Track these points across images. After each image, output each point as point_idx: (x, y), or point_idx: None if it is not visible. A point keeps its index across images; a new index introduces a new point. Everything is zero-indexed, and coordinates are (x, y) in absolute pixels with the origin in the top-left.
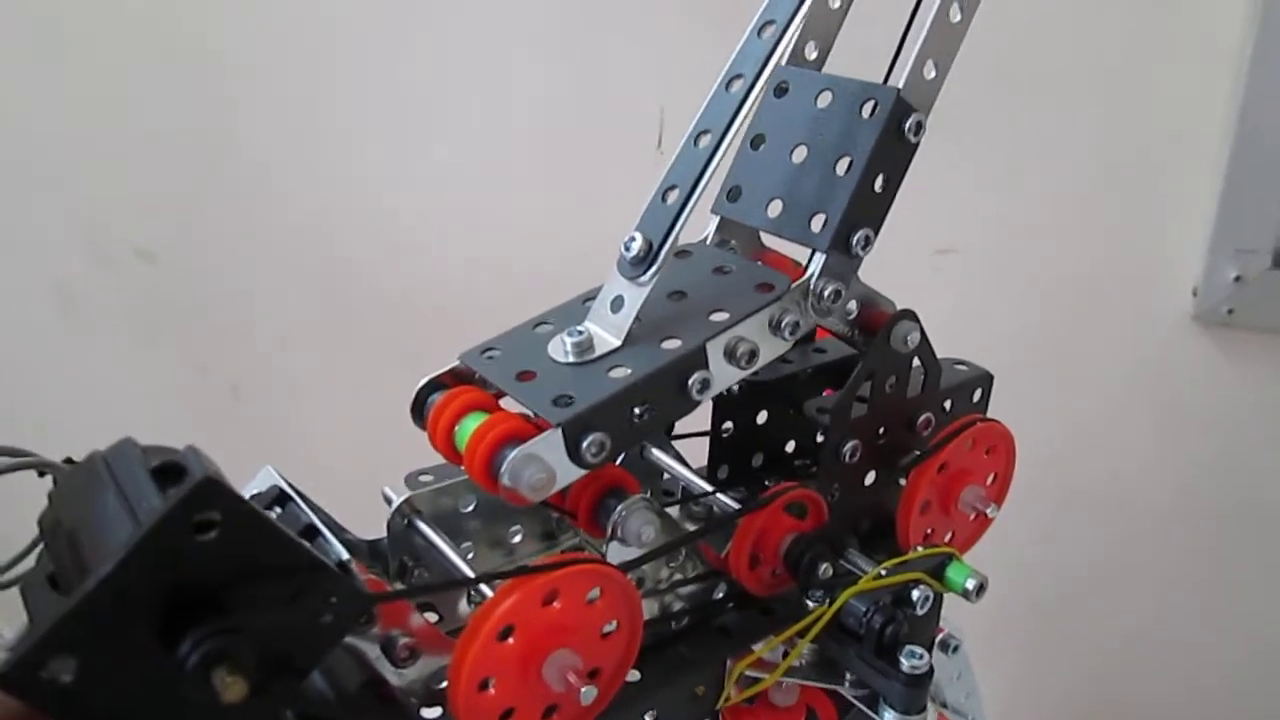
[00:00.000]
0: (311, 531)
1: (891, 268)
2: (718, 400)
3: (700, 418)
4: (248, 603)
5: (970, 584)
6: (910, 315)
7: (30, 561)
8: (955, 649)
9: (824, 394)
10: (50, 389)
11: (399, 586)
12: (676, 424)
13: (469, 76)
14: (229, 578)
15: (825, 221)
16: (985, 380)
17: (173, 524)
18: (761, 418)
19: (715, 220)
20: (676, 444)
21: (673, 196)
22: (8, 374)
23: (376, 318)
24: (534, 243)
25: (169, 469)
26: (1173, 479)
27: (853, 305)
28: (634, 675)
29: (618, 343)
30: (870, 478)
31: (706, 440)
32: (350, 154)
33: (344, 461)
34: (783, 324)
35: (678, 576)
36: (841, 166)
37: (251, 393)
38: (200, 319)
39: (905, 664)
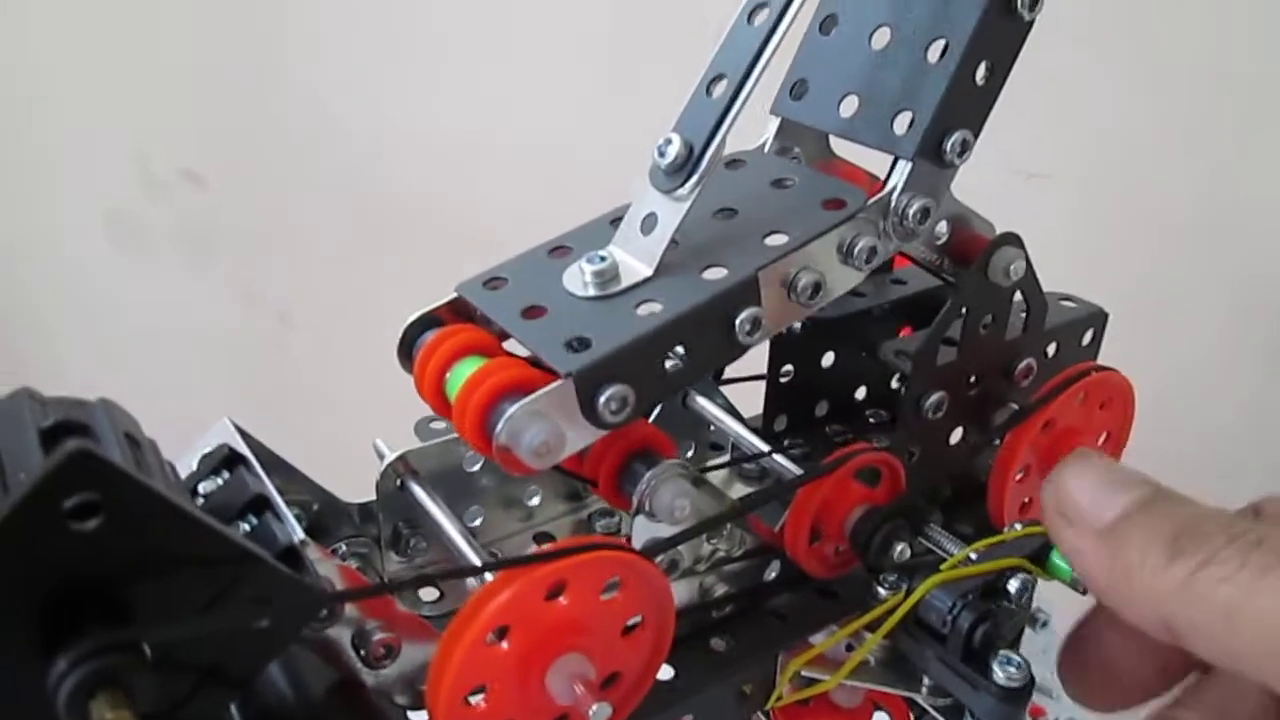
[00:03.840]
0: (260, 504)
1: (968, 195)
2: (776, 339)
3: (755, 359)
4: (157, 603)
5: None
6: (1014, 240)
7: None
8: (1044, 624)
9: (900, 334)
10: (101, 318)
11: (378, 572)
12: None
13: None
14: (130, 571)
15: (912, 121)
16: (1098, 319)
17: (37, 509)
18: (827, 360)
19: (775, 123)
20: (727, 390)
21: (719, 88)
22: (60, 303)
23: (429, 245)
24: (591, 167)
25: (67, 428)
26: None
27: (943, 227)
28: (667, 672)
29: (649, 271)
30: (957, 435)
31: (761, 385)
32: (403, 76)
33: (393, 394)
34: (856, 250)
35: (721, 552)
36: (934, 52)
37: (301, 320)
38: (250, 244)
39: (1000, 674)
